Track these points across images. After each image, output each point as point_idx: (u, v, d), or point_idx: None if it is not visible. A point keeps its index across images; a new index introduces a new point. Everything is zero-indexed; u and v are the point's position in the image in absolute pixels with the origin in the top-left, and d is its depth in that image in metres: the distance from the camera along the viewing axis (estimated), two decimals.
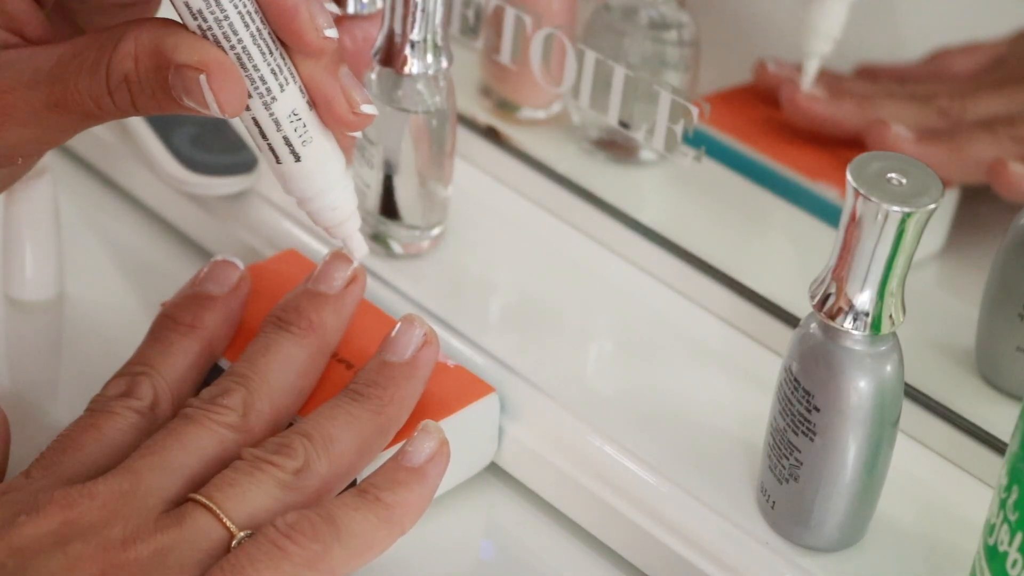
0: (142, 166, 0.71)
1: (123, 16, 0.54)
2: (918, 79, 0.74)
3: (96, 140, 0.74)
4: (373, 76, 0.64)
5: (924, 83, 0.73)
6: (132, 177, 0.73)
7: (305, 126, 0.52)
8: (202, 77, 0.49)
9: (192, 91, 0.50)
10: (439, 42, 0.62)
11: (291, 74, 0.52)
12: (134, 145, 0.72)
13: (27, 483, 0.51)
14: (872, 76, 0.74)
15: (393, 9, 0.62)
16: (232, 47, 0.50)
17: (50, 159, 0.75)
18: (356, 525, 0.51)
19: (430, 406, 0.58)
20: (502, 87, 0.74)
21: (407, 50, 0.62)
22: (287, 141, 0.52)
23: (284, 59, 0.52)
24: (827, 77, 0.73)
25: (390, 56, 0.62)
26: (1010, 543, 0.49)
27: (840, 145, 0.71)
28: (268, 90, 0.51)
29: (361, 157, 0.65)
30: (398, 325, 0.57)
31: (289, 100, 0.52)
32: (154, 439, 0.52)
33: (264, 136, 0.52)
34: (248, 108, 0.51)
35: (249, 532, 0.50)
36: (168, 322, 0.58)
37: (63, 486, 0.50)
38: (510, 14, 0.66)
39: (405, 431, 0.56)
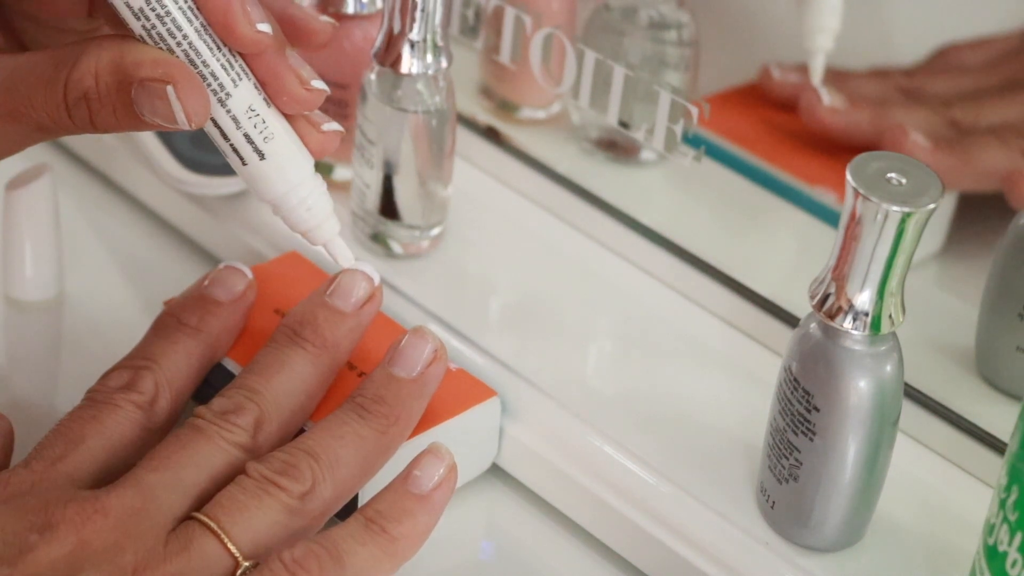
0: (142, 166, 0.71)
1: (70, 38, 0.54)
2: (927, 77, 0.74)
3: (96, 140, 0.74)
4: (373, 76, 0.64)
5: (934, 85, 0.73)
6: (132, 177, 0.73)
7: (264, 122, 0.52)
8: (170, 88, 0.49)
9: (157, 105, 0.49)
10: (439, 42, 0.62)
11: (243, 71, 0.52)
12: (134, 145, 0.72)
13: (28, 475, 0.51)
14: (882, 75, 0.74)
15: (393, 9, 0.62)
16: (179, 44, 0.50)
17: (50, 159, 0.75)
18: (361, 560, 0.51)
19: (431, 409, 0.58)
20: (502, 87, 0.74)
21: (407, 50, 0.62)
22: (248, 138, 0.52)
23: (234, 56, 0.52)
24: (835, 76, 0.73)
25: (390, 56, 0.62)
26: (1010, 543, 0.49)
27: (848, 151, 0.70)
28: (221, 86, 0.51)
29: (361, 157, 0.65)
30: (407, 336, 0.57)
31: (244, 96, 0.52)
32: (166, 448, 0.52)
33: (225, 136, 0.52)
34: None
35: (254, 563, 0.50)
36: (173, 321, 0.58)
37: (71, 489, 0.50)
38: (510, 14, 0.66)
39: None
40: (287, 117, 0.53)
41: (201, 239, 0.71)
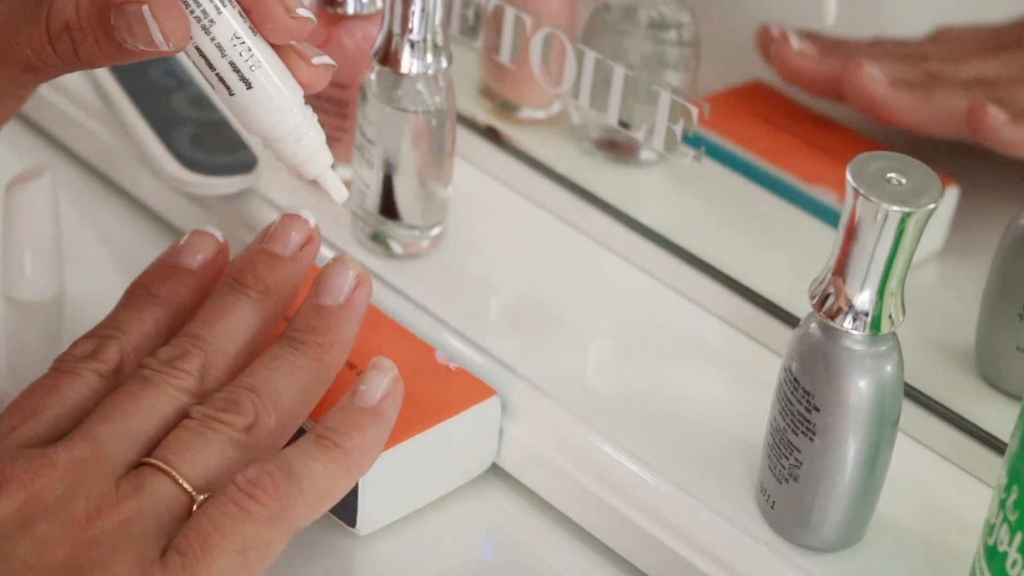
0: (142, 166, 0.72)
1: None
2: (920, 46, 0.74)
3: (96, 140, 0.74)
4: (373, 76, 0.64)
5: (923, 49, 0.73)
6: (132, 177, 0.73)
7: (250, 50, 0.52)
8: (145, 8, 0.49)
9: (135, 27, 0.50)
10: (439, 42, 0.62)
11: None
12: (134, 145, 0.72)
13: None
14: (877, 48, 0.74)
15: (393, 9, 0.62)
16: None
17: (50, 159, 0.75)
18: (316, 475, 0.51)
19: (431, 408, 0.58)
20: (502, 87, 0.74)
21: (407, 50, 0.62)
22: (234, 66, 0.52)
23: None
24: (831, 42, 0.73)
25: (390, 56, 0.62)
26: (1010, 543, 0.49)
27: (847, 149, 0.70)
28: (204, 13, 0.51)
29: (361, 157, 0.65)
30: (328, 266, 0.57)
31: (228, 23, 0.52)
32: (113, 401, 0.52)
33: (211, 66, 0.52)
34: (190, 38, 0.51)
35: (208, 496, 0.50)
36: (141, 291, 0.57)
37: (20, 449, 0.50)
38: (510, 14, 0.66)
39: (398, 424, 0.56)
40: (276, 49, 0.53)
41: None
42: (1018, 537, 0.48)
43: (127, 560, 0.48)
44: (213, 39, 0.52)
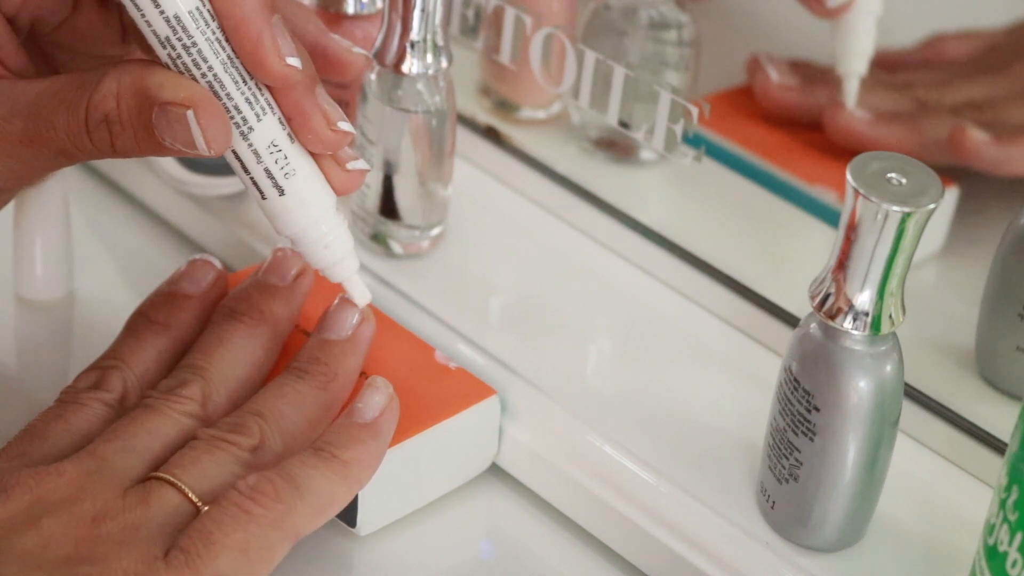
0: (142, 166, 0.72)
1: (99, 63, 0.54)
2: (911, 66, 0.74)
3: None
4: (373, 76, 0.64)
5: (912, 72, 0.73)
6: (133, 177, 0.73)
7: (287, 158, 0.52)
8: (190, 113, 0.49)
9: (177, 129, 0.50)
10: (439, 42, 0.62)
11: (269, 106, 0.52)
12: None
13: None
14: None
15: (393, 9, 0.62)
16: (203, 75, 0.50)
17: None
18: (316, 483, 0.52)
19: (431, 407, 0.58)
20: (502, 87, 0.74)
21: (407, 50, 0.62)
22: (269, 173, 0.52)
23: (260, 90, 0.52)
24: (818, 71, 0.73)
25: (390, 56, 0.62)
26: (1010, 543, 0.49)
27: (844, 149, 0.71)
28: (244, 119, 0.51)
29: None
30: (334, 304, 0.58)
31: (267, 130, 0.52)
32: (117, 425, 0.53)
33: (246, 170, 0.53)
34: None
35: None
36: (142, 319, 0.58)
37: (27, 467, 0.51)
38: (510, 14, 0.66)
39: (398, 423, 0.56)
40: (312, 153, 0.53)
41: (201, 239, 0.71)
42: (1018, 537, 0.48)
43: (132, 555, 0.49)
44: (251, 145, 0.52)
